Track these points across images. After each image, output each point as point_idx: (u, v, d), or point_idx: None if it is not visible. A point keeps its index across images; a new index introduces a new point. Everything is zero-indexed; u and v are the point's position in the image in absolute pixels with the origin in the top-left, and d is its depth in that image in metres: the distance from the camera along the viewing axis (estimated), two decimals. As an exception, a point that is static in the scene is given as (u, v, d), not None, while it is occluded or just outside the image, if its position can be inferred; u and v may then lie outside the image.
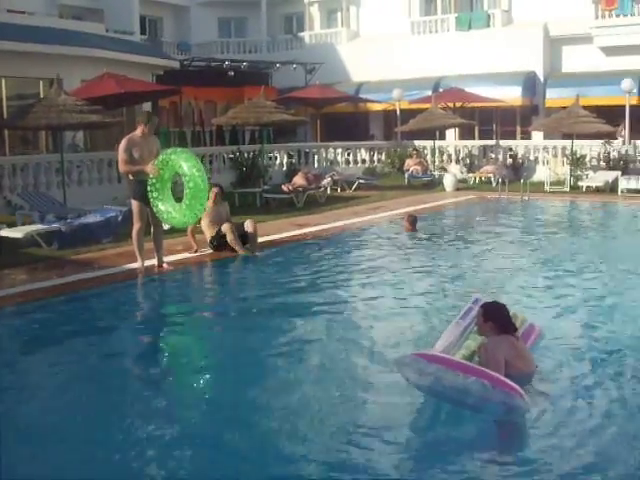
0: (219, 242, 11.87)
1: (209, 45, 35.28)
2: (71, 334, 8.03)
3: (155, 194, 10.18)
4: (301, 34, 35.85)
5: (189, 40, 35.53)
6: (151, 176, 10.16)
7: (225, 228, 11.71)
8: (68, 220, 13.27)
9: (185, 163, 10.21)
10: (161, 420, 5.63)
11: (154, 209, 10.26)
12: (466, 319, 6.25)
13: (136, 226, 10.48)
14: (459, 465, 4.96)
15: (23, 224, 13.88)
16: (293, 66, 31.34)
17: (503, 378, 5.38)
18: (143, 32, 32.03)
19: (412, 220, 14.16)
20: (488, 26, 30.61)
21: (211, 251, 11.94)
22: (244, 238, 11.91)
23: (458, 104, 27.19)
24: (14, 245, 12.45)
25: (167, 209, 10.22)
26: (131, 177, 10.43)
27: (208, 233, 11.96)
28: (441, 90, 28.88)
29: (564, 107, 22.61)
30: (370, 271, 10.74)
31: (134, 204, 10.45)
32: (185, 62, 28.95)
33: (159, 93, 22.46)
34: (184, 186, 10.26)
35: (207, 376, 6.85)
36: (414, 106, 27.33)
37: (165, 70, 26.98)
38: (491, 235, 14.05)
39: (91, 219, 13.35)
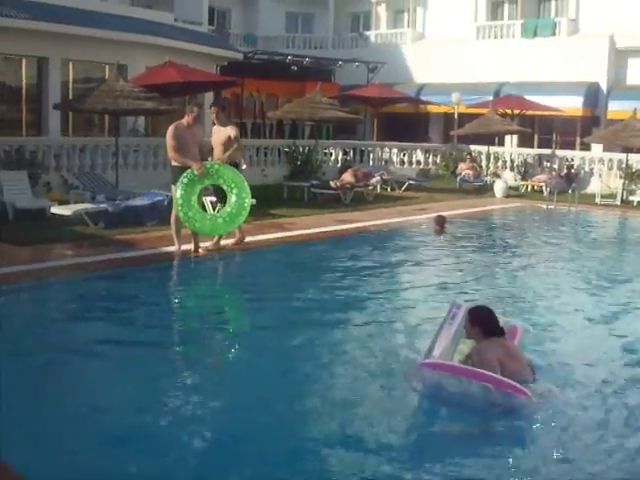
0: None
1: (275, 39, 35.73)
2: (99, 309, 8.56)
3: (183, 193, 10.67)
4: (367, 33, 36.05)
5: (256, 33, 36.04)
6: (195, 172, 10.64)
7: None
8: (116, 201, 13.82)
9: (234, 181, 10.92)
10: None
11: (179, 208, 10.72)
12: (453, 324, 6.34)
13: (174, 211, 10.94)
14: (461, 464, 5.14)
15: (75, 203, 14.47)
16: (356, 64, 31.60)
17: (507, 380, 5.61)
18: (211, 23, 32.59)
19: (440, 221, 14.31)
20: (554, 34, 30.37)
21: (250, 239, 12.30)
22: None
23: (517, 111, 27.11)
24: (63, 222, 13.07)
25: (194, 215, 10.75)
26: (174, 163, 10.90)
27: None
28: (501, 96, 28.80)
29: (626, 120, 22.34)
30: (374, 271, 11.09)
31: (174, 190, 10.90)
32: (249, 55, 29.41)
33: (218, 84, 22.94)
34: (228, 201, 10.97)
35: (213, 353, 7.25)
36: (473, 110, 27.34)
37: (229, 61, 27.52)
38: (522, 243, 14.16)
39: (138, 202, 13.87)
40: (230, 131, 11.79)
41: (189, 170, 10.66)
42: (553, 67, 28.93)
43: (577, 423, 5.75)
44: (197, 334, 7.93)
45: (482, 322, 6.19)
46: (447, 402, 5.88)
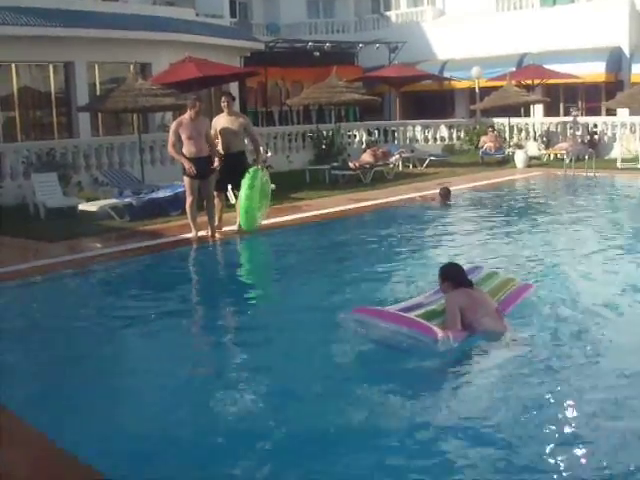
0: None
1: (298, 26, 36.16)
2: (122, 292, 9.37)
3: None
4: (387, 13, 36.40)
5: (278, 21, 36.55)
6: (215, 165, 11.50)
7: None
8: (140, 195, 14.58)
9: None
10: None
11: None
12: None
13: (188, 200, 11.68)
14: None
15: (104, 199, 15.25)
16: (376, 46, 32.03)
17: (418, 320, 6.37)
18: (233, 15, 33.18)
19: (444, 192, 14.83)
20: (573, 1, 30.42)
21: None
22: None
23: (537, 81, 27.25)
24: (92, 218, 13.89)
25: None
26: (187, 155, 11.58)
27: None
28: (520, 67, 28.97)
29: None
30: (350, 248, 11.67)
31: (185, 180, 11.63)
32: (270, 44, 30.01)
33: (237, 75, 23.55)
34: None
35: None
36: (494, 83, 27.49)
37: (252, 52, 28.15)
38: (523, 211, 14.53)
39: (161, 194, 14.60)
40: (242, 120, 12.43)
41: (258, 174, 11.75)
42: (574, 34, 28.87)
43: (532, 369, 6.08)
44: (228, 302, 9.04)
45: (450, 276, 6.94)
46: (381, 343, 6.53)
